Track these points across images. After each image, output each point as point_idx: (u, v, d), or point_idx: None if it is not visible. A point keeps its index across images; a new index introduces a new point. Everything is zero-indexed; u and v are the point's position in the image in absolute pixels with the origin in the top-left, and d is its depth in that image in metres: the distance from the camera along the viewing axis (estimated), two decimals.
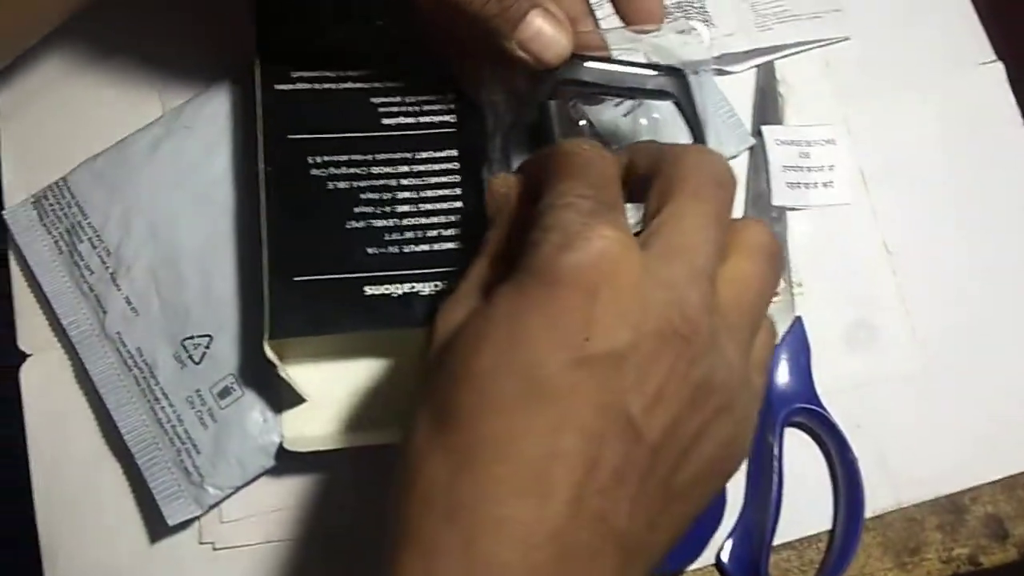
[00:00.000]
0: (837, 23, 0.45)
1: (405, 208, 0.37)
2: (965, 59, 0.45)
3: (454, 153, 0.38)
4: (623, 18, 0.36)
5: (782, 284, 0.41)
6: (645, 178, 0.29)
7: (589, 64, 0.33)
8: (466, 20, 0.32)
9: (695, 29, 0.35)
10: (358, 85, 0.38)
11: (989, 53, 0.45)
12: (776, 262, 0.29)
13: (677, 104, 0.34)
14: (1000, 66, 0.45)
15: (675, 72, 0.34)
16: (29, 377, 0.39)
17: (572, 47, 0.33)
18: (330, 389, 0.37)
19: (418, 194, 0.37)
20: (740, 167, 0.42)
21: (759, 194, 0.42)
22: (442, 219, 0.37)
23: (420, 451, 0.25)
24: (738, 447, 0.27)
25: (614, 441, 0.24)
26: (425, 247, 0.37)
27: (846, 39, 0.45)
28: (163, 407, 0.37)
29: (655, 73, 0.34)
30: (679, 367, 0.25)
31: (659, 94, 0.34)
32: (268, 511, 0.38)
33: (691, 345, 0.25)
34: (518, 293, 0.25)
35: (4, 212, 0.40)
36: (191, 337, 0.38)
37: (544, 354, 0.24)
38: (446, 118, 0.39)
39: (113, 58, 0.42)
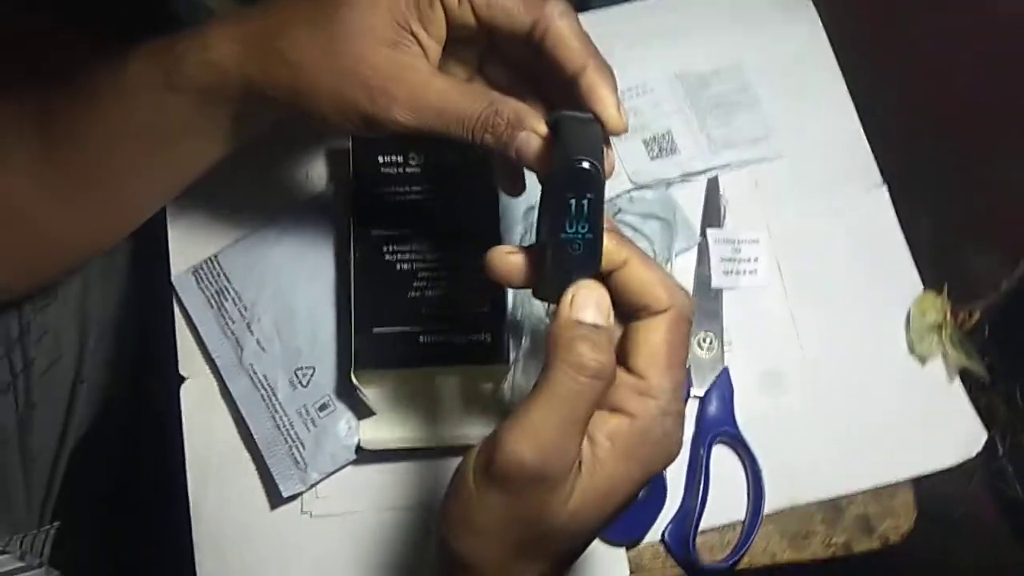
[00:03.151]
0: (768, 147, 0.61)
1: (450, 284, 0.54)
2: (858, 182, 0.61)
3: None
4: None
5: (715, 343, 0.57)
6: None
7: None
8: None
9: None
10: (421, 197, 0.55)
11: (877, 177, 0.61)
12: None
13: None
14: (884, 189, 0.61)
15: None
16: (187, 395, 0.57)
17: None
18: (395, 406, 0.54)
19: (459, 274, 0.54)
20: (690, 259, 0.59)
21: (702, 279, 0.59)
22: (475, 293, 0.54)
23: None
24: None
25: None
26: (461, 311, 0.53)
27: (779, 158, 0.61)
28: (281, 416, 0.54)
29: None
30: None
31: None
32: (351, 490, 0.55)
33: None
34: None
35: (172, 278, 0.58)
36: (301, 368, 0.55)
37: None
38: (486, 220, 0.55)
39: (263, 152, 0.56)
